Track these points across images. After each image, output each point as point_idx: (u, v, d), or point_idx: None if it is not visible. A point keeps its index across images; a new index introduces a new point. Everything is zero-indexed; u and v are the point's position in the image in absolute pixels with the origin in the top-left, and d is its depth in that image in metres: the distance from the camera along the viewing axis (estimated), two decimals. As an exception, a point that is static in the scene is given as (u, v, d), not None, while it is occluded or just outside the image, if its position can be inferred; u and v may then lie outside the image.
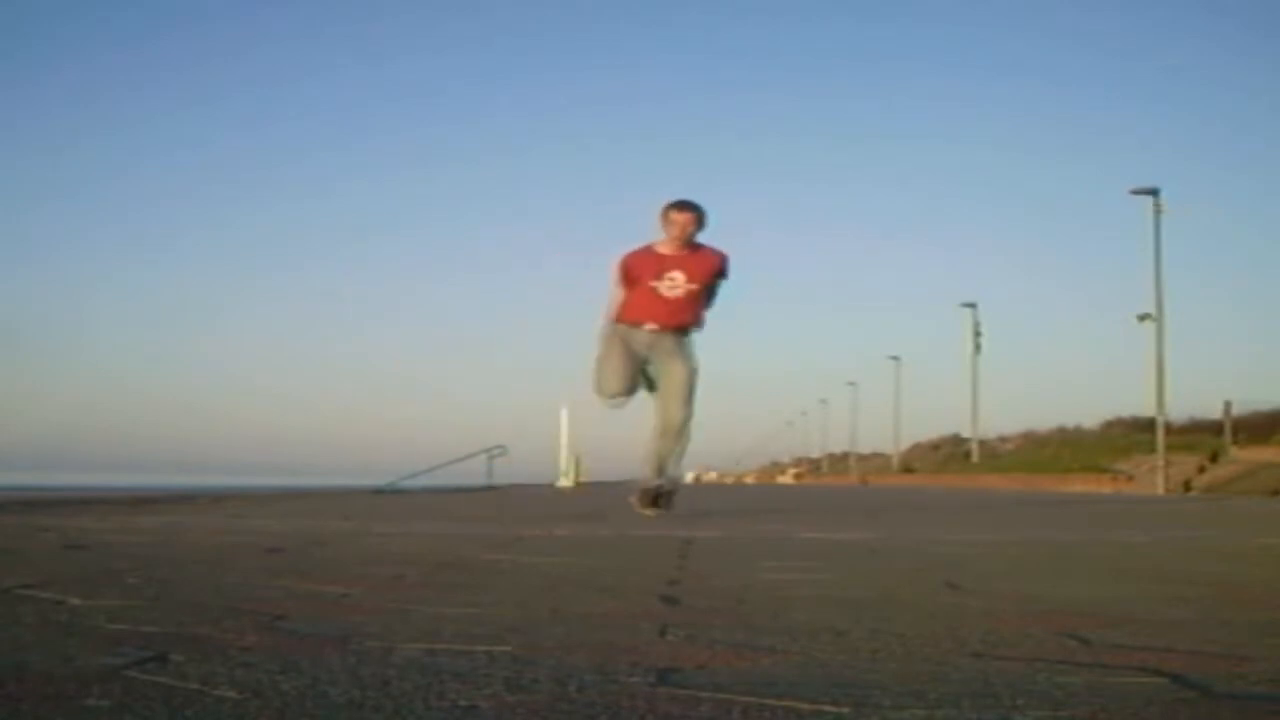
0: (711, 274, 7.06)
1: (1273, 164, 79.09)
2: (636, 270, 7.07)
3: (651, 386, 7.15)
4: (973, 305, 53.37)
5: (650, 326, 7.02)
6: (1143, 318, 29.47)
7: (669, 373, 7.03)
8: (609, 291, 7.22)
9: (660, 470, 7.09)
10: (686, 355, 7.07)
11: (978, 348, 53.13)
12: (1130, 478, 37.10)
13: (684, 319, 7.05)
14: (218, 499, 9.08)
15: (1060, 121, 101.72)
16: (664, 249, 7.03)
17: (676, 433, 7.06)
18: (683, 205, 7.02)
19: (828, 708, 1.26)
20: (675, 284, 6.99)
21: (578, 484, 24.85)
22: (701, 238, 7.06)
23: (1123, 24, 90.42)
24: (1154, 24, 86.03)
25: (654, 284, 7.01)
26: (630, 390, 7.15)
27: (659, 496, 7.05)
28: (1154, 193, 29.56)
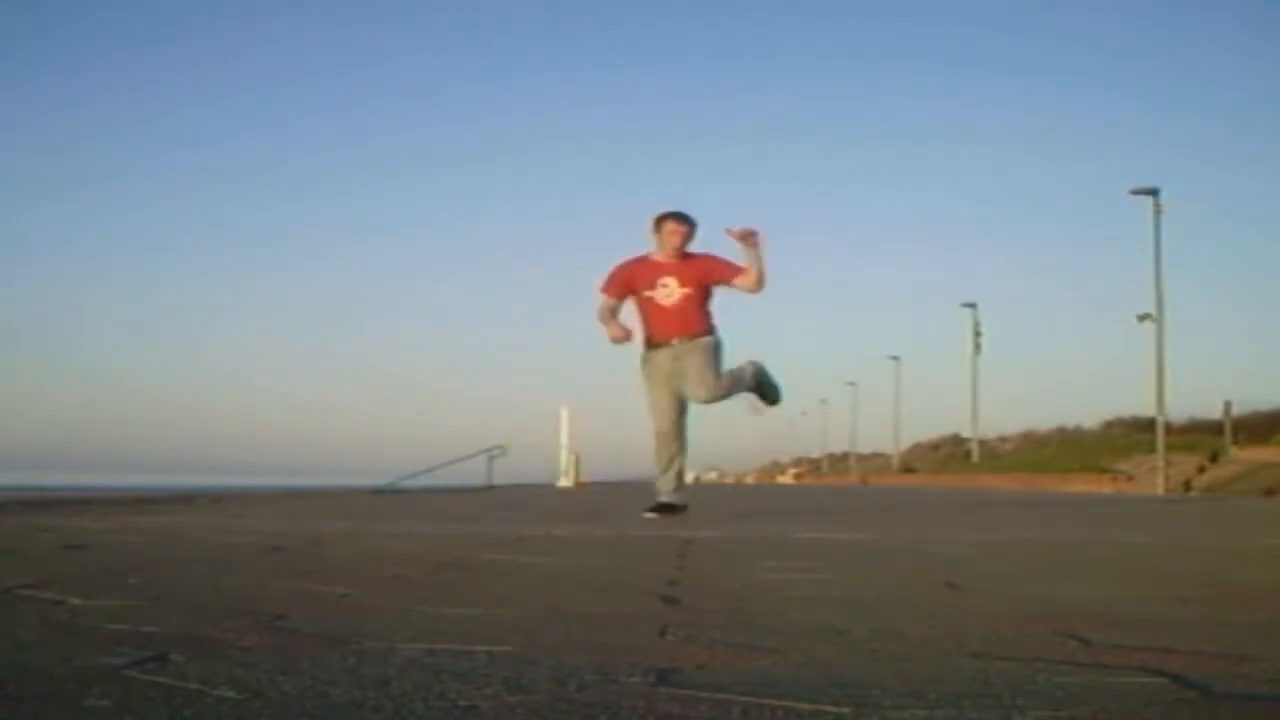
0: (705, 277, 7.02)
1: (1273, 164, 79.07)
2: (629, 279, 7.07)
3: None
4: (973, 305, 53.37)
5: (671, 341, 6.99)
6: (1143, 318, 29.44)
7: (688, 366, 6.98)
8: (599, 313, 7.12)
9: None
10: (704, 368, 6.99)
11: (978, 348, 53.13)
12: (1130, 478, 37.10)
13: (691, 326, 7.00)
14: (218, 499, 9.08)
15: (1060, 121, 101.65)
16: (656, 257, 7.05)
17: (706, 399, 6.99)
18: (677, 216, 7.05)
19: (828, 708, 1.26)
20: (670, 290, 6.98)
21: (578, 484, 24.86)
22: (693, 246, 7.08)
23: (1123, 24, 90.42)
24: (1154, 24, 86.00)
25: (649, 293, 7.01)
26: (680, 418, 7.11)
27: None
28: (1154, 193, 29.54)
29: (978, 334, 53.00)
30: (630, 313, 7.17)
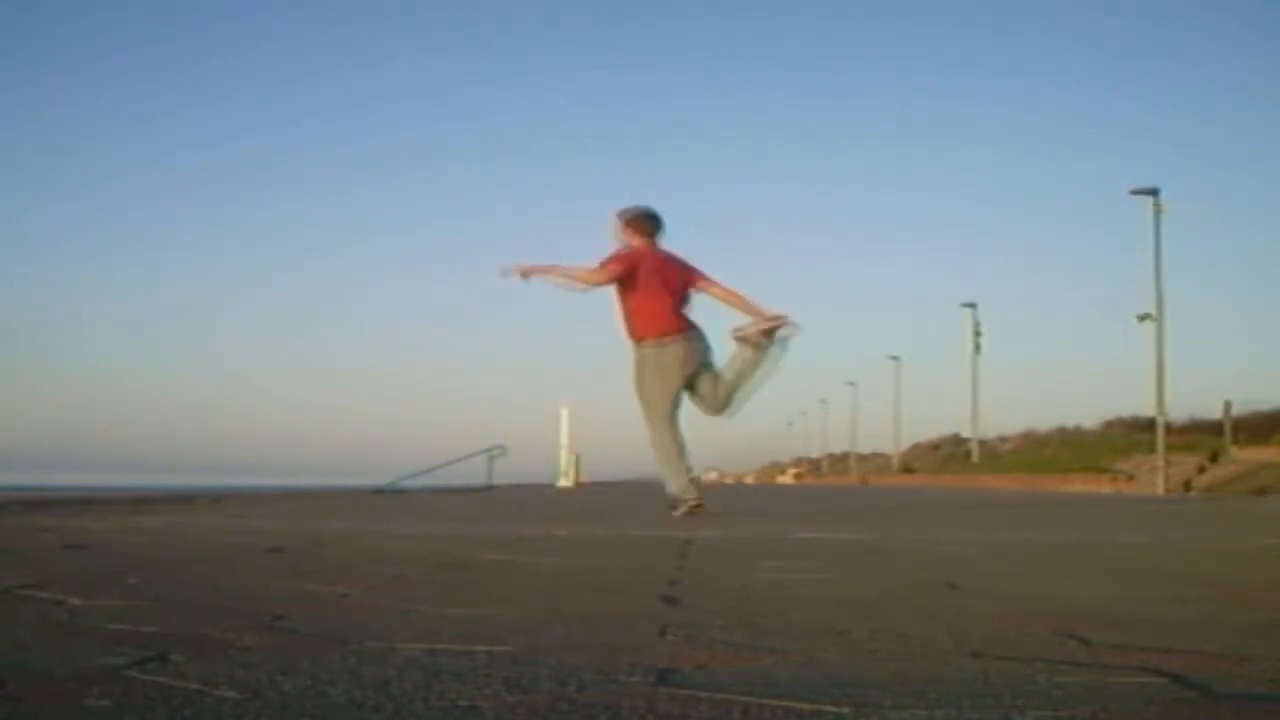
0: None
1: (1273, 164, 79.08)
2: None
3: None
4: (973, 305, 53.32)
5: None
6: (1143, 318, 29.43)
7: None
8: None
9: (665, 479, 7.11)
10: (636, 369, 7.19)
11: (978, 348, 53.08)
12: (1130, 478, 37.08)
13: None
14: (218, 499, 9.08)
15: (1060, 121, 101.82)
16: None
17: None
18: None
19: (828, 708, 1.26)
20: None
21: (578, 484, 24.87)
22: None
23: (1123, 24, 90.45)
24: (1154, 24, 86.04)
25: None
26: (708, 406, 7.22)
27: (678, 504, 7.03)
28: (1154, 193, 29.52)
29: (978, 334, 52.97)
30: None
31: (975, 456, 55.44)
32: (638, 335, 7.06)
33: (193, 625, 1.86)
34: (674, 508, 6.89)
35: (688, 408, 7.18)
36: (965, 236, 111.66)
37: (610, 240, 7.24)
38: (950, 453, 64.23)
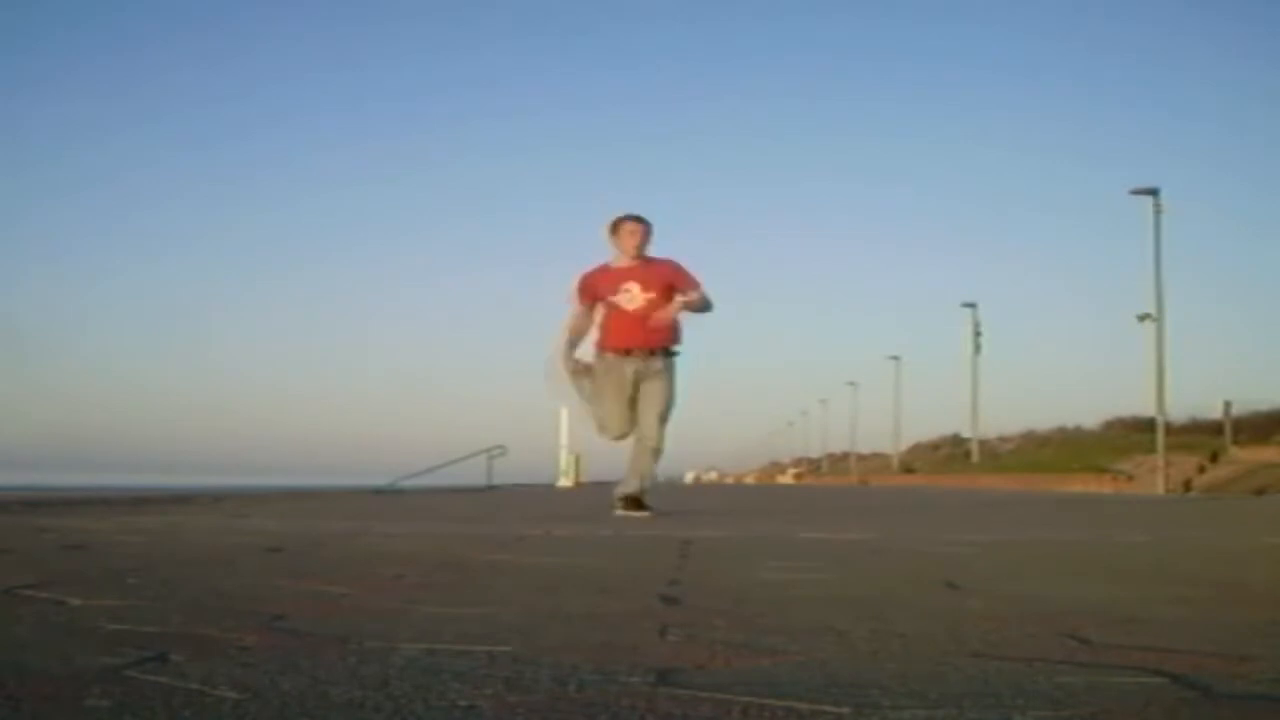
0: (667, 280, 7.00)
1: (1273, 164, 79.19)
2: (593, 286, 7.12)
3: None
4: (973, 305, 53.31)
5: (632, 350, 7.00)
6: (1143, 318, 29.45)
7: (649, 392, 7.02)
8: (568, 310, 7.25)
9: (640, 478, 7.17)
10: (669, 378, 7.08)
11: (978, 348, 53.04)
12: (1130, 478, 37.12)
13: (655, 336, 7.00)
14: (218, 499, 9.08)
15: (1060, 121, 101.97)
16: (617, 264, 7.08)
17: (653, 450, 7.11)
18: (634, 217, 7.08)
19: (828, 708, 1.26)
20: (633, 296, 6.98)
21: (577, 484, 24.88)
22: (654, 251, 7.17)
23: (1123, 25, 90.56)
24: (1154, 24, 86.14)
25: (613, 299, 7.02)
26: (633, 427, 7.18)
27: (639, 500, 7.13)
28: (1154, 193, 29.54)
29: (978, 334, 52.93)
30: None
31: (975, 456, 55.43)
32: (678, 341, 7.13)
33: (193, 625, 1.86)
34: (640, 505, 7.02)
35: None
36: (965, 236, 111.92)
37: (611, 247, 7.16)
38: (950, 453, 64.26)
